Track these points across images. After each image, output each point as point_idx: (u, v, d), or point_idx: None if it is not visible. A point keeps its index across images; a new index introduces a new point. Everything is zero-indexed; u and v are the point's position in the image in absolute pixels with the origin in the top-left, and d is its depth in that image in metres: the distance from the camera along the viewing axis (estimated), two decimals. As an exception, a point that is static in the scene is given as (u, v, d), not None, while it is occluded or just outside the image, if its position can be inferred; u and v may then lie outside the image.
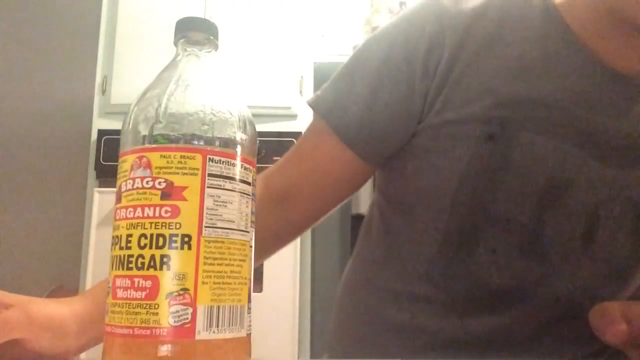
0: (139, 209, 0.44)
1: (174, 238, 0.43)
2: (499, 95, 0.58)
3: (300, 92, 2.04)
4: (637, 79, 0.61)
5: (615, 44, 0.60)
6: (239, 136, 0.48)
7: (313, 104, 0.68)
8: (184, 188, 0.44)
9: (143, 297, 0.42)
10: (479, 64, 0.60)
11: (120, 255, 0.44)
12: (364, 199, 1.75)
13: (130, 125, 0.48)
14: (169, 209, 0.43)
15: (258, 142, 0.51)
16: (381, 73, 0.64)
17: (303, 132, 0.73)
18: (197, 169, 0.44)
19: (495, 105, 0.58)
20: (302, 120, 2.01)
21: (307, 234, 1.91)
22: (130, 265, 0.43)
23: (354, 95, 0.65)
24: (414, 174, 0.64)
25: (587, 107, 0.59)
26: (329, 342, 0.86)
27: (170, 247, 0.43)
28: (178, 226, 0.43)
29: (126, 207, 0.45)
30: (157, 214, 0.43)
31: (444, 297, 0.65)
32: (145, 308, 0.42)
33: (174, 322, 0.42)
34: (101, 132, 1.95)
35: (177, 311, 0.42)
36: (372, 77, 0.65)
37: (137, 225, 0.44)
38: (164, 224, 0.43)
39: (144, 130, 0.46)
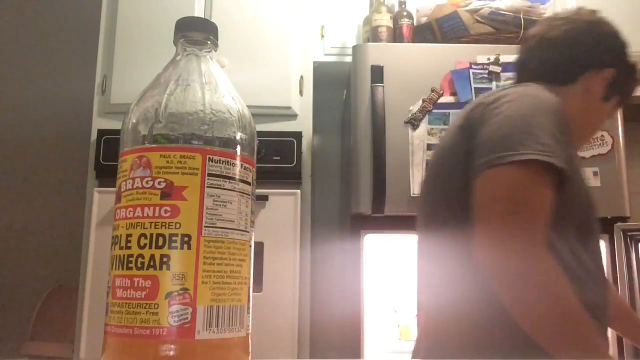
0: (139, 209, 0.44)
1: (174, 238, 0.43)
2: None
3: (300, 92, 2.04)
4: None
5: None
6: (239, 136, 0.48)
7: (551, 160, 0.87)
8: (184, 188, 0.44)
9: (143, 297, 0.42)
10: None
11: (120, 255, 0.44)
12: (364, 199, 1.75)
13: (130, 125, 0.47)
14: (169, 209, 0.43)
15: (258, 142, 0.51)
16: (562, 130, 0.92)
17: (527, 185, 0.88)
18: (197, 169, 0.44)
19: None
20: (302, 120, 2.01)
21: (307, 234, 1.91)
22: (130, 265, 0.43)
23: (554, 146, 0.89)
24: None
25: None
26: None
27: (170, 247, 0.43)
28: (178, 226, 0.43)
29: (126, 207, 0.45)
30: (157, 214, 0.43)
31: None
32: (145, 308, 0.42)
33: (174, 322, 0.42)
34: (101, 132, 1.95)
35: (177, 311, 0.42)
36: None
37: (137, 225, 0.44)
38: (164, 224, 0.43)
39: (144, 130, 0.46)
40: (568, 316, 0.79)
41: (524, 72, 1.11)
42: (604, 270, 1.01)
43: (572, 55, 1.06)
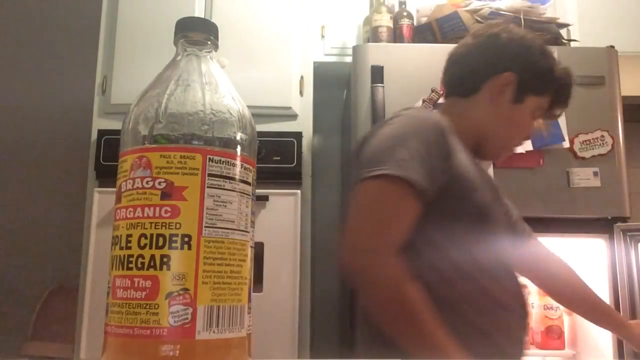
0: (139, 209, 0.44)
1: (174, 238, 0.43)
2: (469, 167, 1.06)
3: (300, 92, 2.04)
4: (480, 163, 1.17)
5: (503, 153, 1.21)
6: (239, 136, 0.48)
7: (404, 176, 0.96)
8: (184, 188, 0.44)
9: (143, 297, 0.42)
10: (457, 149, 1.06)
11: (120, 255, 0.44)
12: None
13: (130, 125, 0.47)
14: (169, 209, 0.43)
15: (258, 142, 0.51)
16: (428, 149, 1.00)
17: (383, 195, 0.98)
18: (197, 169, 0.44)
19: (471, 170, 1.06)
20: (302, 120, 2.01)
21: (307, 234, 1.91)
22: (130, 265, 0.43)
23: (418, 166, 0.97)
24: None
25: (477, 169, 1.10)
26: None
27: (170, 247, 0.43)
28: (178, 226, 0.43)
29: (126, 207, 0.45)
30: (157, 214, 0.43)
31: None
32: (145, 308, 0.42)
33: (174, 322, 0.42)
34: (101, 132, 1.95)
35: (177, 311, 0.42)
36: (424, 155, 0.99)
37: (137, 225, 0.44)
38: (164, 224, 0.43)
39: (144, 130, 0.46)
40: (408, 317, 0.89)
41: (445, 87, 1.23)
42: (507, 265, 1.09)
43: (472, 67, 1.17)
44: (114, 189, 0.48)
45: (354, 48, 1.92)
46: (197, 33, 0.51)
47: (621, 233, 1.74)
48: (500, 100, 1.14)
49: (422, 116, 1.09)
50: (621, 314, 1.65)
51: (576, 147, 1.80)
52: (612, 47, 1.88)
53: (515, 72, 1.13)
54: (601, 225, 1.78)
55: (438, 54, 1.94)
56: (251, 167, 0.48)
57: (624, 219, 1.77)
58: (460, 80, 1.18)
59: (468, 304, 0.98)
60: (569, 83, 1.17)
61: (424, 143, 0.98)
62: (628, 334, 1.28)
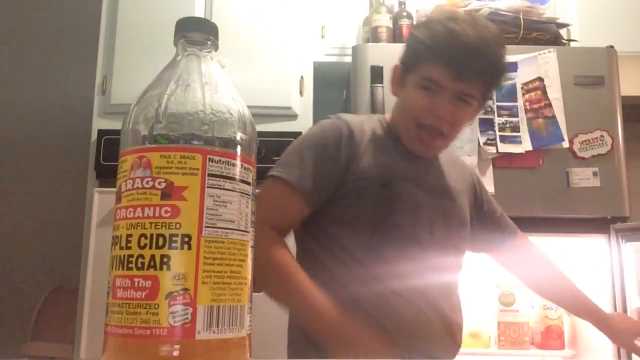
0: (139, 209, 0.44)
1: (174, 238, 0.43)
2: (384, 166, 1.11)
3: (300, 92, 2.04)
4: (424, 159, 1.17)
5: (414, 143, 1.15)
6: (239, 136, 0.48)
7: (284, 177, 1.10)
8: (184, 188, 0.44)
9: (143, 297, 0.42)
10: (370, 151, 1.12)
11: (120, 255, 0.44)
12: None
13: (130, 125, 0.47)
14: (169, 209, 0.43)
15: (258, 142, 0.51)
16: (320, 155, 1.10)
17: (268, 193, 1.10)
18: (197, 169, 0.44)
19: (384, 170, 1.11)
20: (302, 121, 2.01)
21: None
22: (130, 265, 0.43)
23: (306, 171, 1.09)
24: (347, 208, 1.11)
25: (416, 171, 1.14)
26: None
27: (170, 247, 0.43)
28: (178, 226, 0.43)
29: (126, 207, 0.45)
30: (157, 214, 0.43)
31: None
32: (145, 308, 0.42)
33: (174, 322, 0.42)
34: (101, 132, 1.95)
35: (177, 311, 0.42)
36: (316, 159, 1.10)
37: (137, 225, 0.44)
38: (164, 224, 0.43)
39: (144, 130, 0.46)
40: (281, 277, 1.04)
41: None
42: (411, 261, 1.09)
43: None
44: (114, 189, 0.48)
45: (354, 48, 1.92)
46: (197, 33, 0.51)
47: (615, 233, 1.74)
48: (398, 92, 1.18)
49: (328, 123, 1.15)
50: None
51: (576, 147, 1.80)
52: (612, 47, 1.89)
53: (400, 61, 1.17)
54: (601, 225, 1.78)
55: (438, 54, 1.96)
56: (251, 167, 0.49)
57: (624, 219, 1.77)
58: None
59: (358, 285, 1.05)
60: (452, 44, 1.05)
61: (316, 150, 1.09)
62: (608, 328, 1.28)
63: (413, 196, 1.11)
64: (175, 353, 0.41)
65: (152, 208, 0.44)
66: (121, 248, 0.44)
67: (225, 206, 0.45)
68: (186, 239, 0.43)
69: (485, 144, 1.78)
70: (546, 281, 1.34)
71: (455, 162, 1.30)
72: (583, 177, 1.78)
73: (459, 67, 1.06)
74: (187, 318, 0.42)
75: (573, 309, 1.38)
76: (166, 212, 0.43)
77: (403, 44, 1.21)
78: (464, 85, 1.07)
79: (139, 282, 0.42)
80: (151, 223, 0.43)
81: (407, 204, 1.10)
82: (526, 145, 1.78)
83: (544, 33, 1.93)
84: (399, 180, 1.10)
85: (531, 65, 1.85)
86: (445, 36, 1.07)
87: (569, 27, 2.09)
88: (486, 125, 1.80)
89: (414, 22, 2.08)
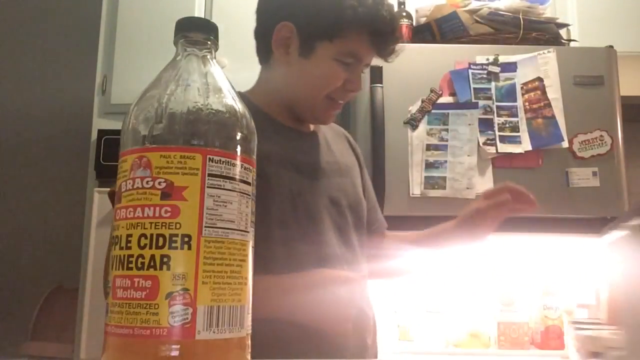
0: (139, 209, 0.44)
1: (174, 238, 0.43)
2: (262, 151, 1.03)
3: (300, 92, 2.04)
4: (307, 133, 1.09)
5: (292, 119, 1.07)
6: (239, 136, 0.48)
7: None
8: (184, 188, 0.44)
9: (143, 297, 0.42)
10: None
11: (120, 255, 0.44)
12: (364, 199, 1.75)
13: (130, 125, 0.48)
14: (169, 209, 0.43)
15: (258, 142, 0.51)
16: None
17: None
18: (197, 169, 0.44)
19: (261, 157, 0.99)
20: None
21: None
22: (130, 265, 0.43)
23: None
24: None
25: (294, 151, 1.03)
26: None
27: (170, 247, 0.43)
28: (178, 226, 0.43)
29: (126, 207, 0.45)
30: (157, 214, 0.43)
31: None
32: (145, 308, 0.42)
33: (174, 322, 0.42)
34: (101, 132, 1.95)
35: (177, 311, 0.42)
36: None
37: (137, 225, 0.44)
38: (164, 224, 0.43)
39: (144, 130, 0.46)
40: None
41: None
42: (321, 254, 0.99)
43: (257, 27, 1.08)
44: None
45: (354, 48, 1.92)
46: (197, 33, 0.51)
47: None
48: (289, 58, 1.02)
49: None
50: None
51: (575, 147, 1.80)
52: (611, 47, 1.88)
53: (291, 21, 1.00)
54: (600, 225, 1.78)
55: (437, 54, 1.96)
56: (251, 167, 0.49)
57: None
58: (256, 45, 1.09)
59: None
60: (375, 17, 0.99)
61: None
62: (462, 217, 1.12)
63: (289, 183, 0.98)
64: (175, 353, 0.41)
65: (152, 208, 0.44)
66: (121, 248, 0.44)
67: (225, 206, 0.45)
68: (186, 239, 0.43)
69: (484, 144, 1.78)
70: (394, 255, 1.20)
71: (338, 133, 1.18)
72: (583, 177, 1.78)
73: (384, 44, 1.01)
74: (187, 318, 0.42)
75: (433, 242, 1.19)
76: (166, 212, 0.43)
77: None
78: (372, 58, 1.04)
79: (139, 282, 0.42)
80: (151, 223, 0.43)
81: (282, 194, 0.97)
82: (526, 145, 1.78)
83: (543, 33, 1.93)
84: (271, 166, 0.97)
85: (531, 65, 1.85)
86: (372, 7, 0.97)
87: (569, 27, 2.09)
88: (486, 125, 1.80)
89: (414, 22, 2.08)
